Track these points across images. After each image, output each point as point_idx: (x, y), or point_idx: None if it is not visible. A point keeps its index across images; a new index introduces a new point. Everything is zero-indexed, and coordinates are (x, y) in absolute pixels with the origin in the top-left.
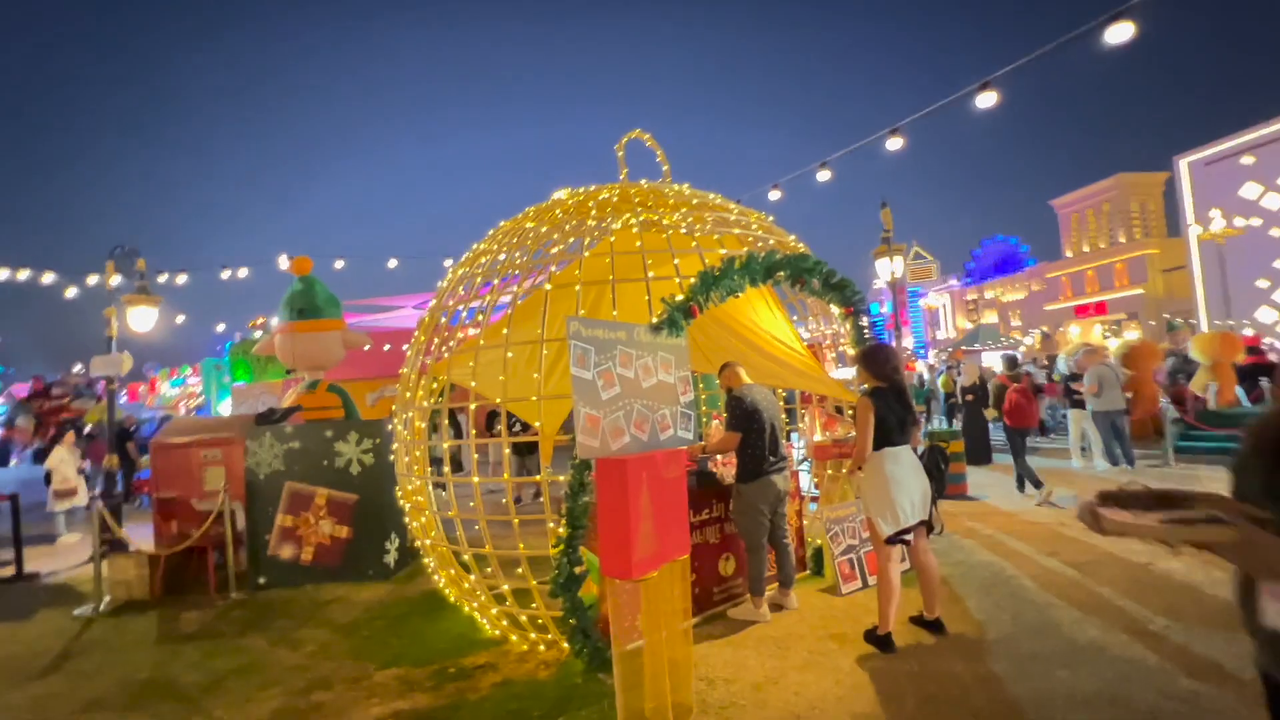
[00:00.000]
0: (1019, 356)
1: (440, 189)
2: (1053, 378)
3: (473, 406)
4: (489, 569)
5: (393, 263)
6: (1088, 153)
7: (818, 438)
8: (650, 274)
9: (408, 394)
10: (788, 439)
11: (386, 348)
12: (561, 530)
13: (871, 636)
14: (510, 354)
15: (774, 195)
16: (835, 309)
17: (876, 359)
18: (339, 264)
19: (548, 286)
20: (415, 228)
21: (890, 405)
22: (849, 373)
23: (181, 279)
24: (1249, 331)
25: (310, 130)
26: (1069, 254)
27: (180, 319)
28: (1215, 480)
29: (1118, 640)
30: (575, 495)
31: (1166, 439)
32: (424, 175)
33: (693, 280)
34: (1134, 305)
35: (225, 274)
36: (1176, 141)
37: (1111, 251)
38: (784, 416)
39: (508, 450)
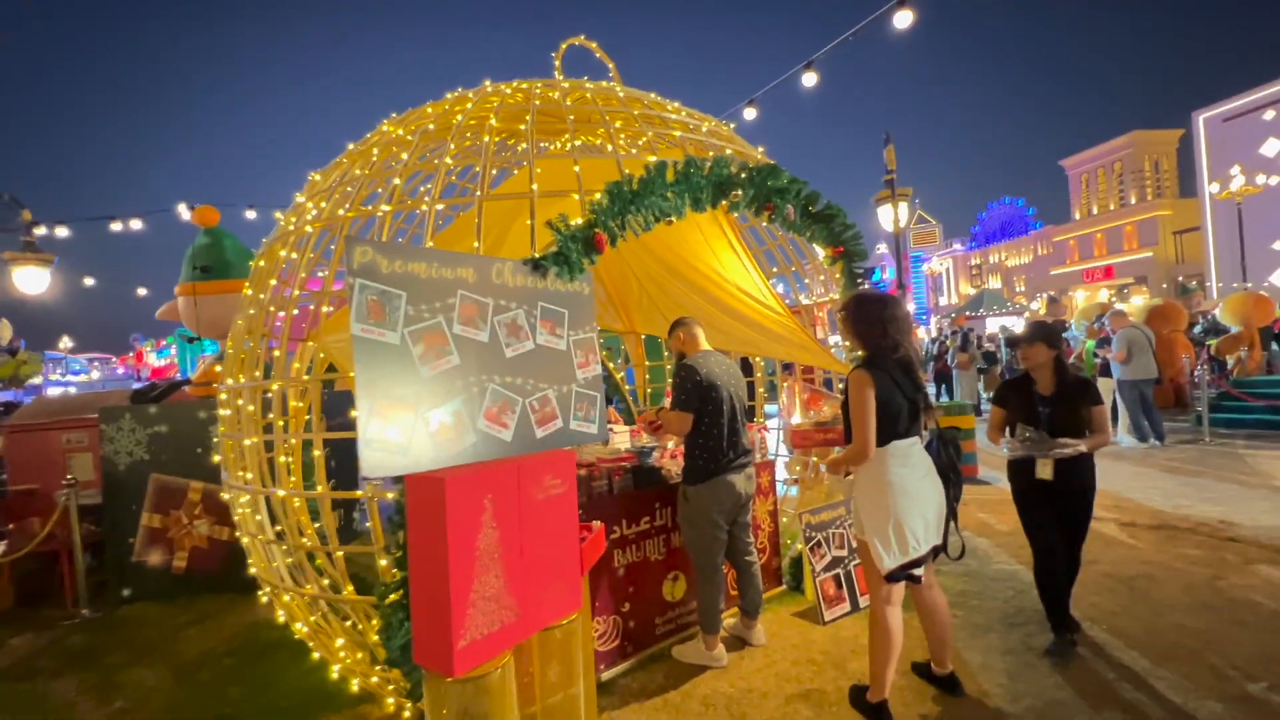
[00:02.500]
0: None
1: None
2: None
3: (275, 386)
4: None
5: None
6: (1099, 111)
7: (797, 419)
8: (535, 187)
9: (244, 368)
10: (757, 419)
11: (329, 309)
12: (396, 570)
13: (859, 701)
14: (329, 308)
15: (749, 114)
16: (820, 250)
17: (869, 311)
18: (250, 214)
19: (386, 208)
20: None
21: (896, 381)
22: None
23: (62, 232)
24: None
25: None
26: (1078, 216)
27: (89, 281)
28: (1257, 456)
29: (1209, 713)
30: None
31: (1201, 410)
32: (351, 103)
33: (598, 197)
34: (1143, 269)
35: (115, 226)
36: (1191, 97)
37: (1122, 213)
38: (751, 393)
39: (319, 451)
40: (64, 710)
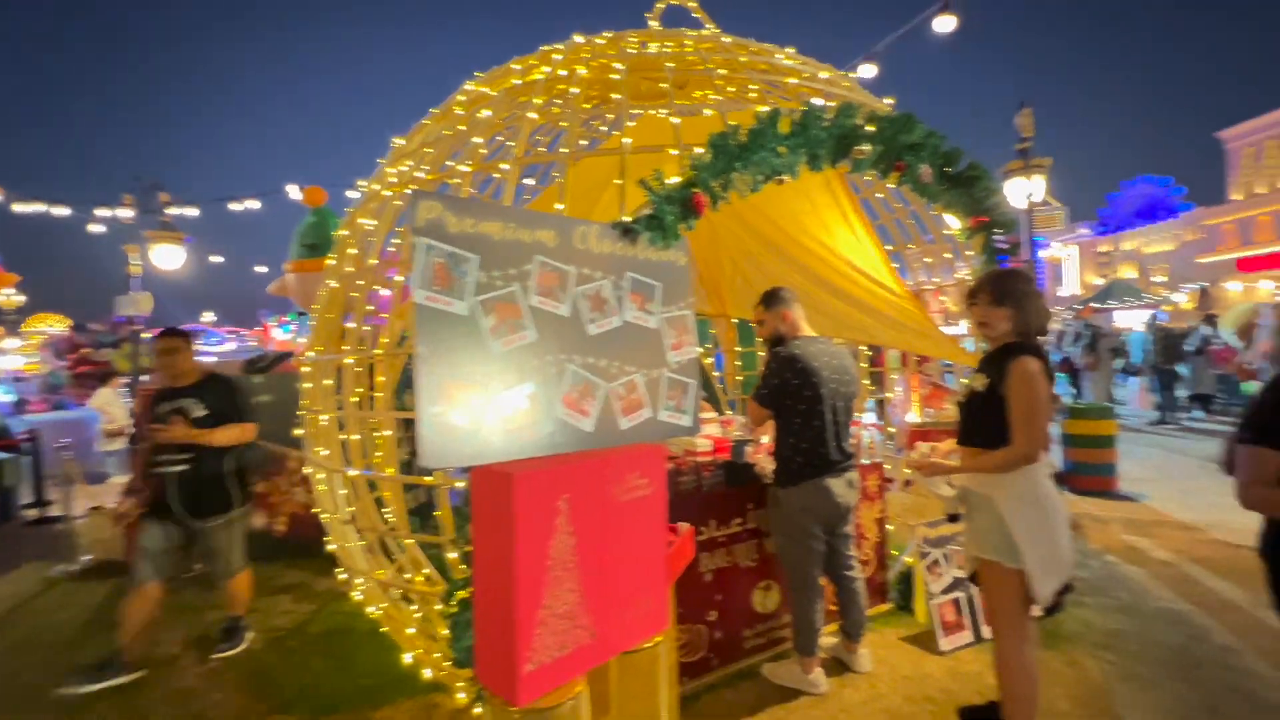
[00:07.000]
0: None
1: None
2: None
3: (349, 360)
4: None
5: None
6: (1262, 76)
7: (913, 417)
8: (627, 141)
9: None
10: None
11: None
12: (464, 566)
13: None
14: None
15: (867, 71)
16: (954, 220)
17: (1028, 287)
18: (356, 193)
19: (464, 168)
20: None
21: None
22: (959, 329)
23: (192, 212)
24: None
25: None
26: (1237, 197)
27: (217, 259)
28: None
29: None
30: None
31: None
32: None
33: (698, 152)
34: None
35: (235, 206)
36: None
37: None
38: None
39: (388, 432)
40: (166, 666)
